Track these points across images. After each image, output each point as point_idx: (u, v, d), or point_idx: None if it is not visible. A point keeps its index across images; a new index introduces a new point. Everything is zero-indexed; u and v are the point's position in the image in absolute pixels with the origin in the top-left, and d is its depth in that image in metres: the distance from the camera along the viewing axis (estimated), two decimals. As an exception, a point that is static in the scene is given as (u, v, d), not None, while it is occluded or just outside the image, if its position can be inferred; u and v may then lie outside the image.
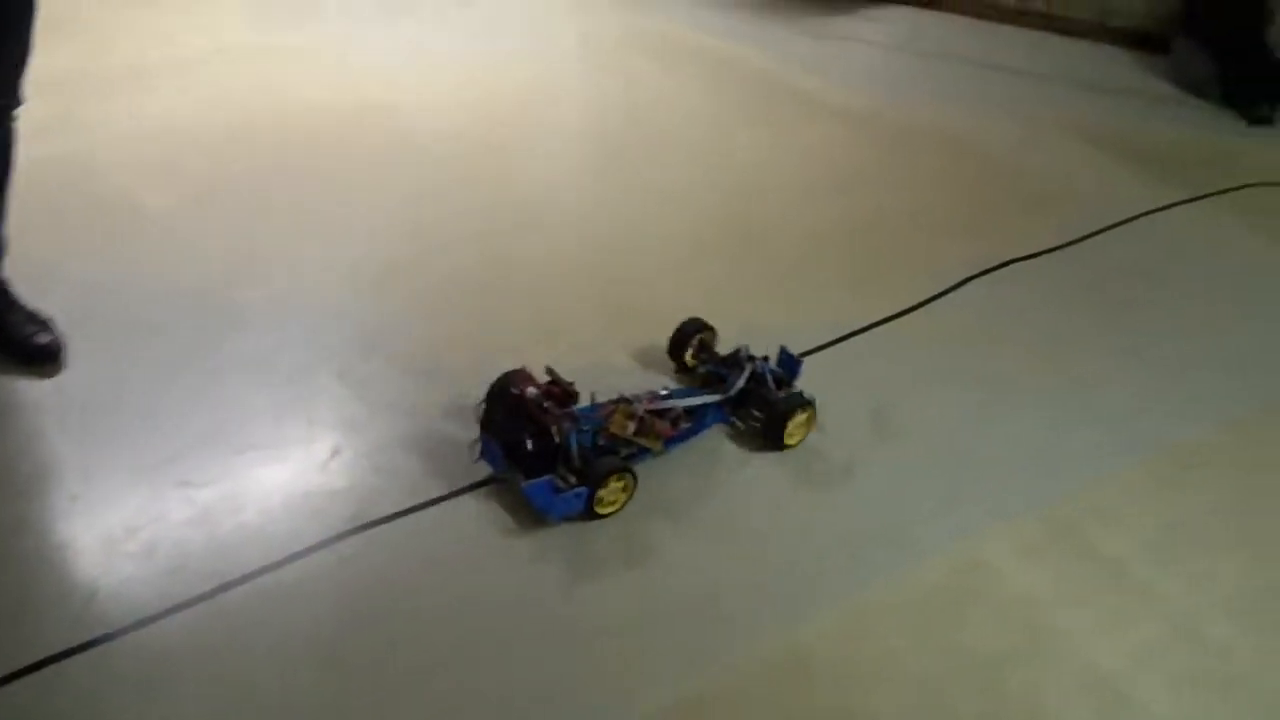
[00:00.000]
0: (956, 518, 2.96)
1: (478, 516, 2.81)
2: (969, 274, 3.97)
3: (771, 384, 3.18)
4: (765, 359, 3.23)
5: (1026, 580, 2.81)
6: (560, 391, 2.95)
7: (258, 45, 5.16)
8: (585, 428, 2.87)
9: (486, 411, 2.93)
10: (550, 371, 3.00)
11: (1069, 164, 4.82)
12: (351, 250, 3.81)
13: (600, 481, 2.79)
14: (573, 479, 2.81)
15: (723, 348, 3.33)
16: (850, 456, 3.11)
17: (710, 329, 3.34)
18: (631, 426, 2.92)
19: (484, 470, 2.90)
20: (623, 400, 2.99)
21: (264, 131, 4.47)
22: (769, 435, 3.10)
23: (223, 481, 2.84)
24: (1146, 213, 4.57)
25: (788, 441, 3.10)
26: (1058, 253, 4.19)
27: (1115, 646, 2.66)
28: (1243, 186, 4.95)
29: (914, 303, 3.78)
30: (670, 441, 3.01)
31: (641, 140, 4.48)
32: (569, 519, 2.80)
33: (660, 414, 2.99)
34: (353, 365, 3.27)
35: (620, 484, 2.83)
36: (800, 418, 3.10)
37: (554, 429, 2.83)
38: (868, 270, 3.95)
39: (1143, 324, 3.90)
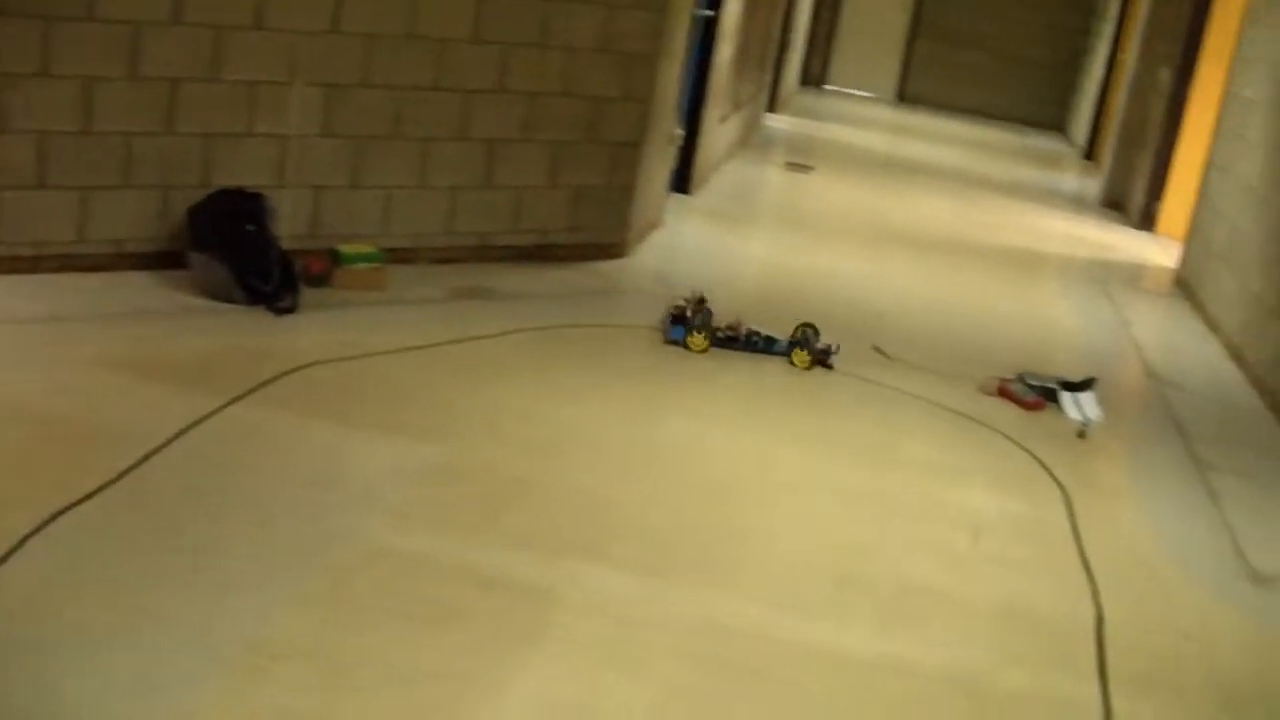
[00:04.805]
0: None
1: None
2: (26, 534, 3.94)
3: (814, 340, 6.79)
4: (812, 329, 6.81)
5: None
6: (700, 303, 6.73)
7: None
8: (701, 316, 6.62)
9: (675, 316, 6.68)
10: (703, 296, 6.82)
11: (105, 397, 4.95)
12: None
13: (689, 332, 6.54)
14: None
15: None
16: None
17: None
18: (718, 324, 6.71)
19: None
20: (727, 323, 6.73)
21: None
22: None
23: None
24: (193, 425, 4.77)
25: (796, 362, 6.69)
26: (110, 490, 4.26)
27: None
28: (281, 375, 5.30)
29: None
30: (720, 343, 6.64)
31: None
32: (678, 344, 6.54)
33: (738, 331, 6.72)
34: None
35: (701, 337, 6.52)
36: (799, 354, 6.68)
37: (687, 311, 6.66)
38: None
39: (212, 530, 4.09)
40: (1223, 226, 9.93)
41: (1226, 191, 10.13)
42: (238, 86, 6.49)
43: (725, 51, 10.71)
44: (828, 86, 22.90)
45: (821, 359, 6.69)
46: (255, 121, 6.59)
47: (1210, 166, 10.93)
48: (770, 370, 6.56)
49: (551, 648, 3.78)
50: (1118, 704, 4.05)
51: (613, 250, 7.98)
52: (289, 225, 6.62)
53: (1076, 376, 7.11)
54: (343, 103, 6.78)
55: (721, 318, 6.72)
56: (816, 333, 6.78)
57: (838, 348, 6.76)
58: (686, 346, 6.51)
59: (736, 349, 6.65)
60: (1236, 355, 8.58)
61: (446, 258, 7.29)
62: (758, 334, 6.74)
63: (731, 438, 5.65)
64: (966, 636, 4.33)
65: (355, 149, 6.87)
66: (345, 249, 6.68)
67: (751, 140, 14.56)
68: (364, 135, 6.88)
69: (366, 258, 6.68)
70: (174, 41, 6.29)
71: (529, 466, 4.95)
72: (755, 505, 5.04)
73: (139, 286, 6.26)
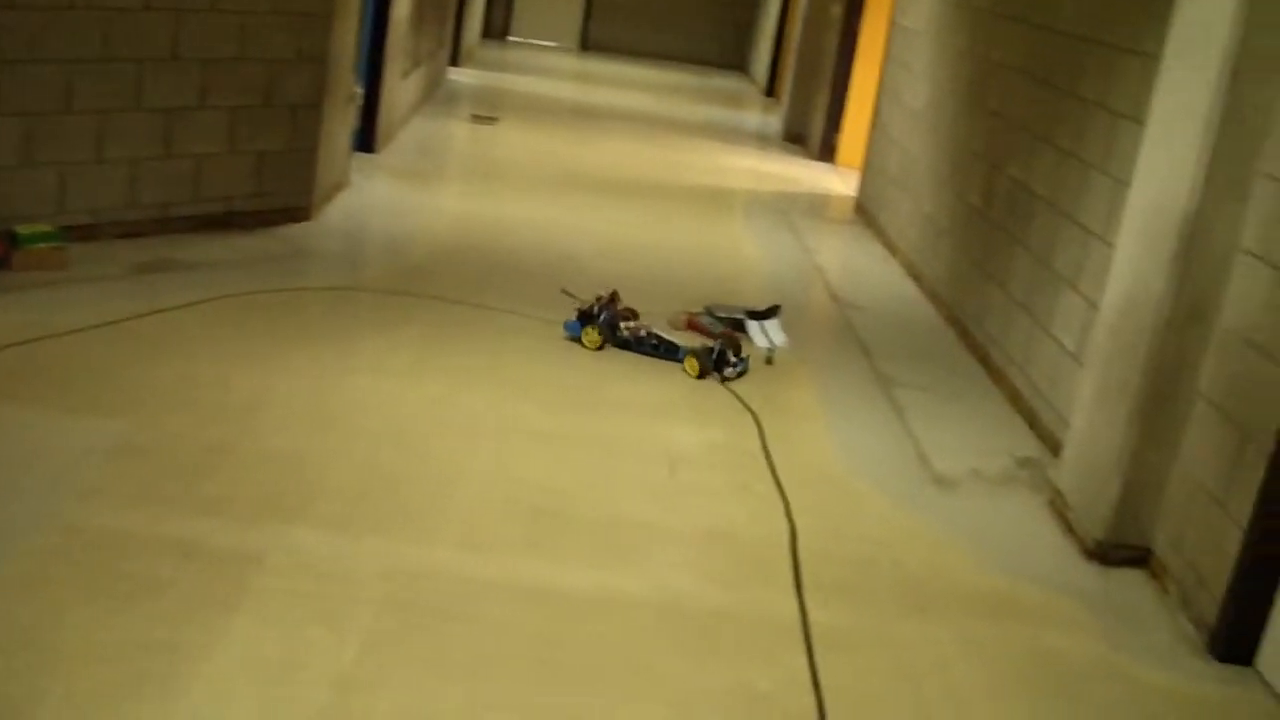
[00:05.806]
0: None
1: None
2: None
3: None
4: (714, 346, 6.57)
5: None
6: (610, 301, 6.73)
7: None
8: (605, 315, 6.60)
9: (581, 312, 6.66)
10: (615, 294, 6.82)
11: None
12: None
13: (585, 326, 6.57)
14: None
15: None
16: None
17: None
18: (624, 323, 6.72)
19: None
20: (628, 321, 6.74)
21: None
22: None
23: None
24: None
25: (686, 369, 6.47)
26: None
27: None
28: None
29: None
30: (620, 344, 6.62)
31: None
32: (575, 340, 6.61)
33: (636, 332, 6.64)
34: None
35: (595, 333, 6.55)
36: (690, 361, 6.42)
37: (594, 308, 6.62)
38: None
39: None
40: (895, 153, 10.40)
41: (897, 119, 10.61)
42: (-110, 67, 6.24)
43: (402, 7, 10.68)
44: (511, 38, 22.94)
45: (713, 370, 6.40)
46: (-87, 103, 6.34)
47: (881, 96, 11.41)
48: (451, 320, 6.69)
49: (254, 609, 3.82)
50: (814, 613, 4.30)
51: (298, 214, 7.94)
52: (-42, 209, 6.40)
53: (762, 305, 7.40)
54: (9, 78, 6.55)
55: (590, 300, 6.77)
56: (735, 346, 6.58)
57: (741, 363, 6.54)
58: (582, 342, 6.55)
59: (639, 351, 6.57)
60: (914, 274, 9.03)
61: (129, 232, 7.13)
62: (658, 337, 6.62)
63: (422, 389, 5.73)
64: (667, 563, 4.53)
65: (25, 126, 6.65)
66: (22, 229, 6.48)
67: (436, 96, 14.54)
68: (34, 111, 6.66)
69: (45, 237, 6.50)
70: None
71: (222, 434, 4.94)
72: (449, 453, 5.14)
73: None
